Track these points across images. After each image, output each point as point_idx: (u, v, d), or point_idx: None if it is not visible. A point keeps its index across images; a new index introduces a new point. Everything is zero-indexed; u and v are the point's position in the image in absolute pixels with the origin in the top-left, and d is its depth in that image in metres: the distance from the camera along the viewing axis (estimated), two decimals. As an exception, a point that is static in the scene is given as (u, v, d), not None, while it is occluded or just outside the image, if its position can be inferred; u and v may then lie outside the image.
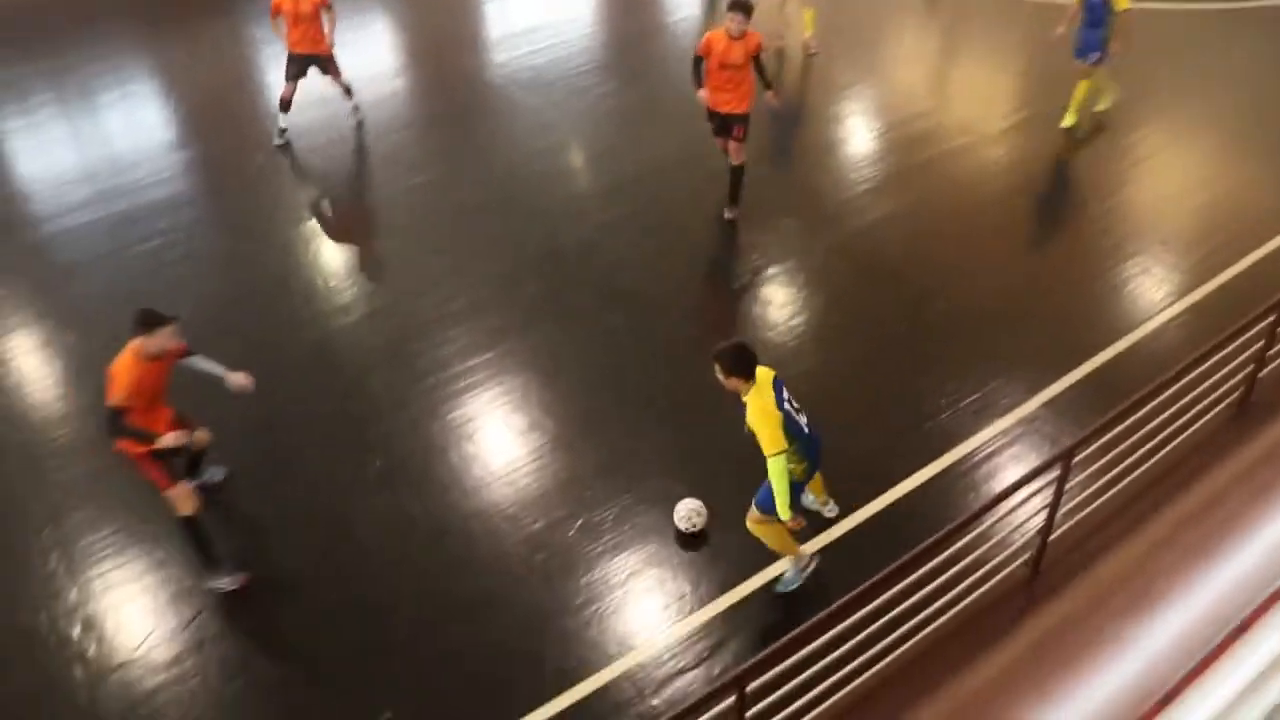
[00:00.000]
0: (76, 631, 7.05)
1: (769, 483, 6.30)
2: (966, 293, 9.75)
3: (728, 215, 10.68)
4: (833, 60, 14.10)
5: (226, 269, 10.55)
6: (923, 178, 11.42)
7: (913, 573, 5.58)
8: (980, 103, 12.98)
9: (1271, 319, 6.95)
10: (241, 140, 12.59)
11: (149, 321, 6.72)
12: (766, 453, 6.17)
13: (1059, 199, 11.25)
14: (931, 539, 5.51)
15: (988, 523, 6.41)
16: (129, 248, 10.80)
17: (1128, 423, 6.50)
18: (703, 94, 10.00)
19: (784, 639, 5.09)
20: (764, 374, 6.31)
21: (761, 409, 6.16)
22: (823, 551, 7.21)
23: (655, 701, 6.42)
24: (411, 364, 9.11)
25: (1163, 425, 6.79)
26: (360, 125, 12.70)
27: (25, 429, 8.76)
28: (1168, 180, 11.33)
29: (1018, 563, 6.35)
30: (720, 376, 6.22)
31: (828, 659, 5.44)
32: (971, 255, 10.28)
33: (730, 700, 5.06)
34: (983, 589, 6.10)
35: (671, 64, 13.99)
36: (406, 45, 15.59)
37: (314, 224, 11.13)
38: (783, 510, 6.27)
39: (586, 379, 8.95)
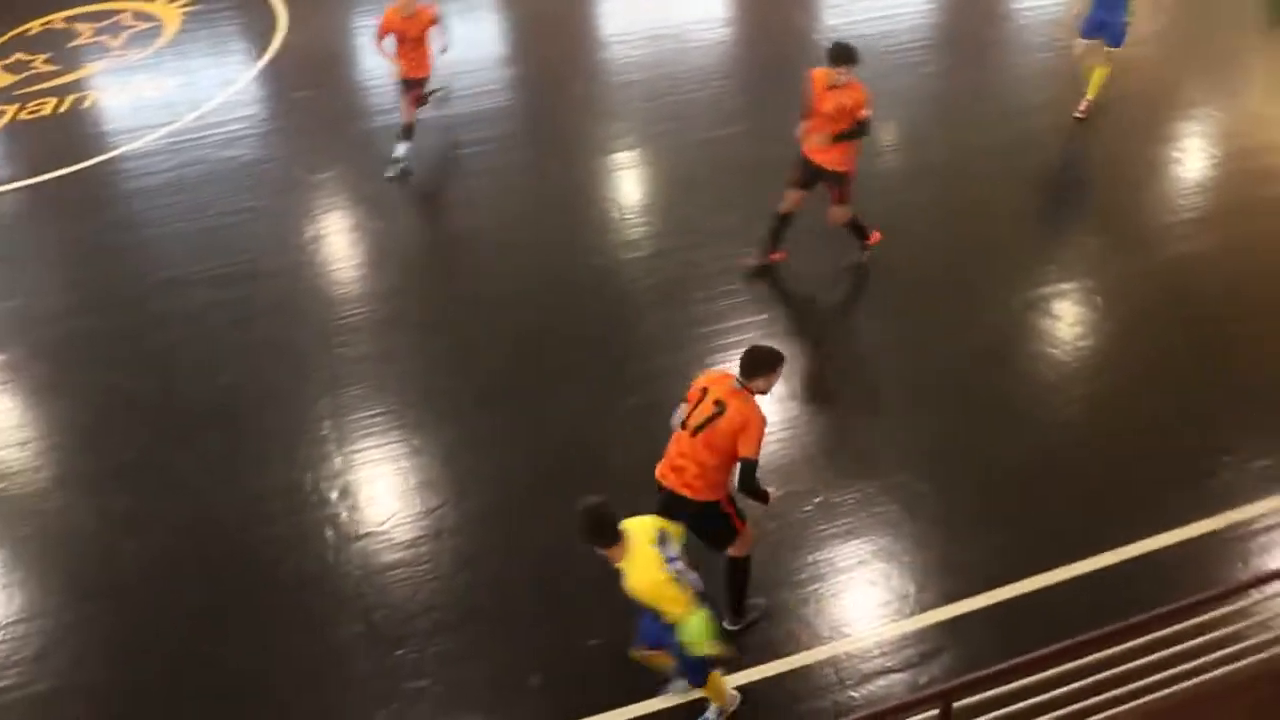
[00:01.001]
0: (334, 495, 7.64)
1: (687, 654, 5.32)
2: (1280, 342, 8.93)
3: (751, 264, 9.60)
4: (1178, 74, 13.08)
5: (532, 184, 11.05)
6: (1260, 215, 10.44)
7: (1156, 630, 5.23)
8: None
9: None
10: (569, 66, 13.03)
11: (775, 362, 6.08)
12: (674, 618, 5.18)
13: None
14: (1186, 600, 5.17)
15: (1253, 599, 5.94)
16: (447, 150, 11.46)
17: None
18: (802, 127, 9.00)
19: (1003, 665, 4.91)
20: (640, 532, 5.29)
21: (641, 578, 5.17)
22: (1058, 588, 6.86)
23: (855, 694, 6.34)
24: (687, 310, 9.25)
25: None
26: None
27: (324, 303, 9.51)
28: None
29: (1278, 649, 5.84)
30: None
31: (1044, 696, 5.20)
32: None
33: (934, 712, 4.94)
34: (1231, 667, 5.65)
35: (1008, 54, 13.46)
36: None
37: (619, 157, 11.42)
38: (709, 647, 5.27)
39: (858, 360, 8.86)
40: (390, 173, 11.01)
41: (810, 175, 9.08)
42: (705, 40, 13.58)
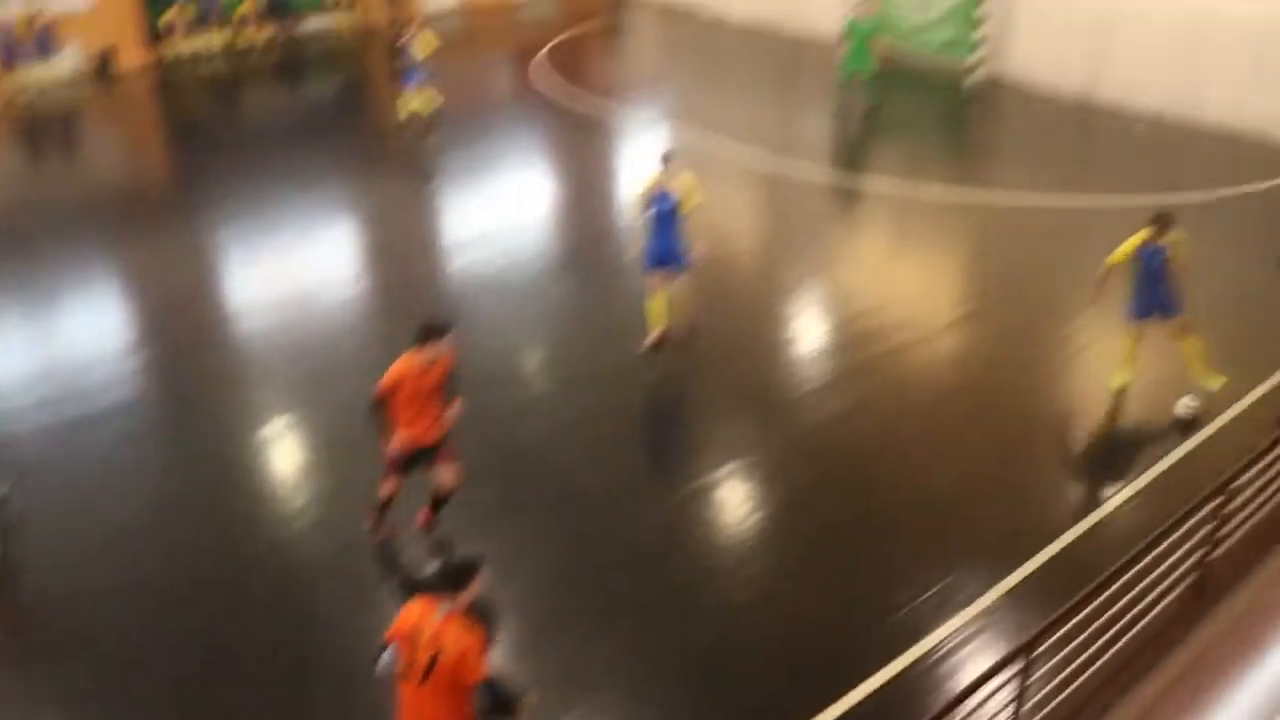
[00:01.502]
0: None
1: None
2: (920, 486, 9.76)
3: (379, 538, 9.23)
4: (778, 261, 14.54)
5: (177, 472, 10.43)
6: (871, 373, 11.59)
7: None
8: (923, 299, 13.33)
9: (1218, 501, 7.00)
10: (201, 344, 12.65)
11: (475, 567, 5.98)
12: None
13: (1004, 390, 11.39)
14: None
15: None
16: (82, 450, 10.67)
17: (1086, 611, 6.43)
18: (398, 439, 8.62)
19: None
20: None
21: None
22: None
23: None
24: (361, 572, 8.90)
25: (1122, 612, 6.72)
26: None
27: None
28: (1106, 368, 11.53)
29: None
30: None
31: None
32: (922, 448, 10.34)
33: None
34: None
35: (625, 267, 14.35)
36: (365, 249, 15.88)
37: (267, 428, 11.05)
38: None
39: (539, 582, 8.76)
40: None
41: (416, 459, 8.81)
42: (335, 299, 13.63)
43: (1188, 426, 10.39)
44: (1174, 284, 10.50)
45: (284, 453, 10.80)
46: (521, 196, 17.25)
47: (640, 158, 18.82)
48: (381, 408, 8.56)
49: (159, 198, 18.42)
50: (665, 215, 11.37)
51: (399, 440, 8.65)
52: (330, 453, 10.66)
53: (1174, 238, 10.38)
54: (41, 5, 23.34)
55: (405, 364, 8.51)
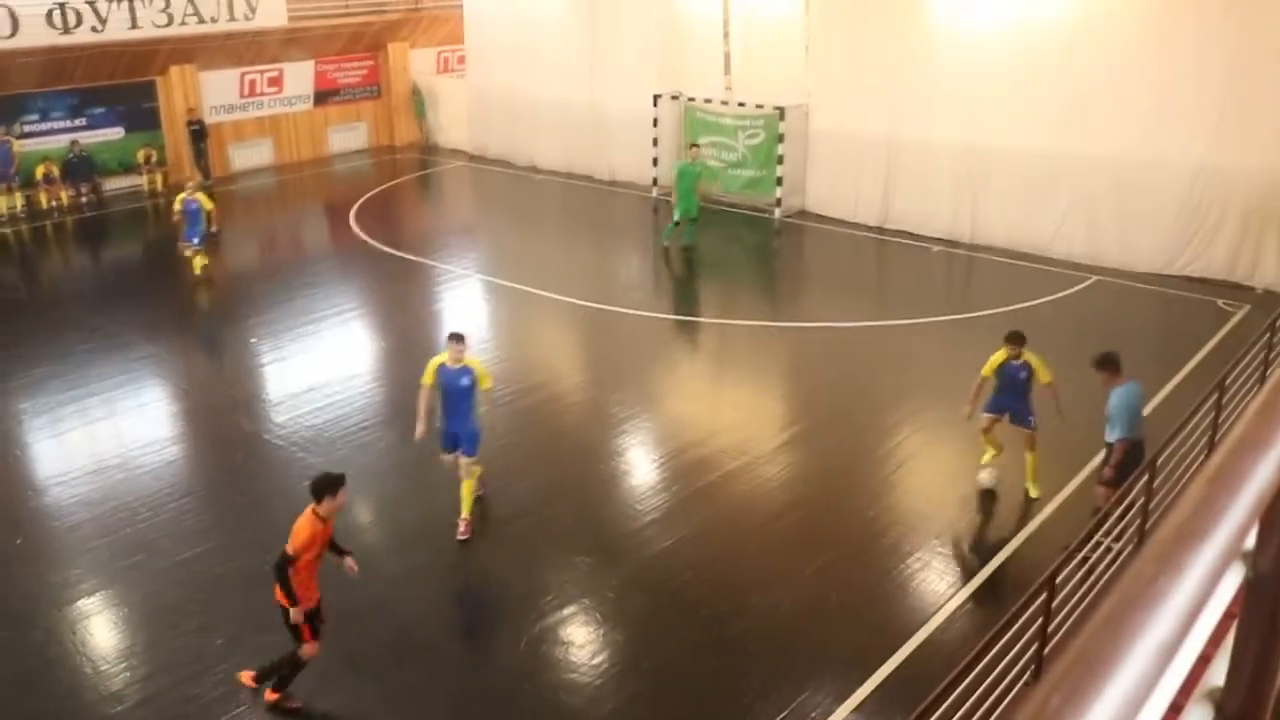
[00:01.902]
0: None
1: None
2: (761, 610, 9.85)
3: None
4: (607, 396, 14.70)
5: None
6: (706, 502, 11.73)
7: None
8: (751, 426, 13.67)
9: (1044, 597, 7.31)
10: (1, 519, 11.88)
11: None
12: None
13: (833, 509, 11.70)
14: None
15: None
16: None
17: (935, 717, 6.57)
18: (296, 612, 8.57)
19: None
20: None
21: None
22: None
23: None
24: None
25: (970, 712, 6.89)
26: None
27: None
28: (930, 478, 12.05)
29: None
30: None
31: None
32: (761, 573, 10.46)
33: None
34: None
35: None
36: (181, 412, 15.32)
37: (82, 604, 10.37)
38: None
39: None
40: None
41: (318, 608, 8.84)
42: (153, 463, 13.03)
43: (989, 494, 11.50)
44: (1031, 399, 11.28)
45: (105, 629, 10.14)
46: (343, 349, 17.06)
47: (460, 308, 19.01)
48: (284, 572, 8.37)
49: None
50: (464, 391, 10.89)
51: (309, 601, 8.56)
52: (160, 623, 10.06)
53: (1029, 356, 11.17)
54: None
55: (310, 522, 8.41)
